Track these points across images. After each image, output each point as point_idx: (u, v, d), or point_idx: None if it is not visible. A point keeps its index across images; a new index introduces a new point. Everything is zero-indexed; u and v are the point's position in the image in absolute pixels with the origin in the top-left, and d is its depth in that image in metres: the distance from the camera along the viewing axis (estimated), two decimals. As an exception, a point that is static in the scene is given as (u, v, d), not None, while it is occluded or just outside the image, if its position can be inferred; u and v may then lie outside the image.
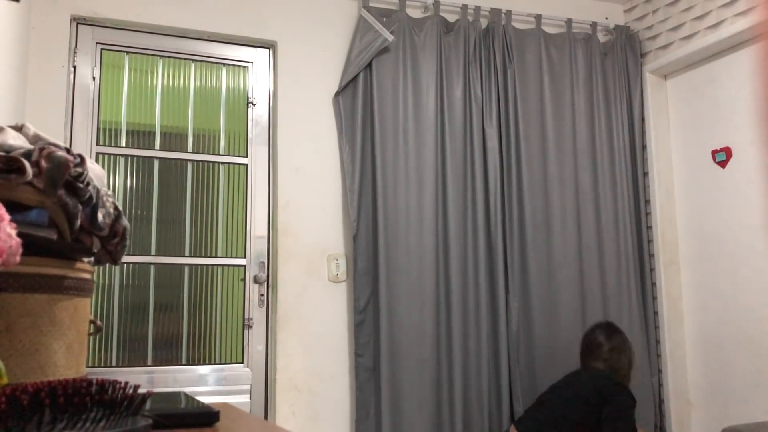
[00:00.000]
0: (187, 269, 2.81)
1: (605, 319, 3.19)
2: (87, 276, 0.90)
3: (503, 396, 2.95)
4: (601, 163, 3.29)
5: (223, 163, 2.92)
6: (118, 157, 2.77)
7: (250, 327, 2.83)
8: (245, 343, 2.82)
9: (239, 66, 3.00)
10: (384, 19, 3.03)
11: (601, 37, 3.49)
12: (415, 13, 3.17)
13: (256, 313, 2.85)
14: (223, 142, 2.94)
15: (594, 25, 3.44)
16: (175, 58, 2.91)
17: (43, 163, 0.83)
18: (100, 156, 2.75)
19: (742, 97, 3.05)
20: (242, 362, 2.81)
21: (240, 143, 2.96)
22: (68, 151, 0.88)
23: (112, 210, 0.97)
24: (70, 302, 0.85)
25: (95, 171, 0.97)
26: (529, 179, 3.13)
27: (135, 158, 2.80)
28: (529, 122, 3.19)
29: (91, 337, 1.02)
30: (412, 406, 2.81)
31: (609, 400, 2.51)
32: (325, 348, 2.86)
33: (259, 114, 2.99)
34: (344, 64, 3.01)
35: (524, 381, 2.99)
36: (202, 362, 2.76)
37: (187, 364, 2.75)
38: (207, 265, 2.83)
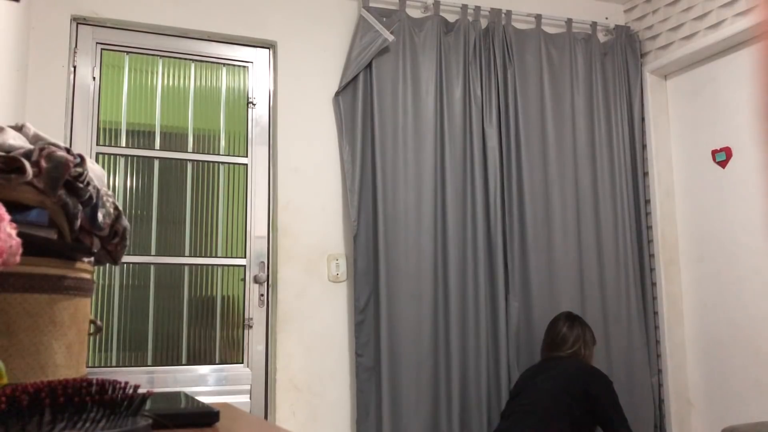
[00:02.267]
0: (187, 269, 2.81)
1: (593, 316, 3.19)
2: (87, 276, 0.90)
3: (503, 397, 2.95)
4: (601, 163, 3.29)
5: (223, 163, 2.92)
6: (118, 157, 2.77)
7: (250, 327, 2.83)
8: (245, 343, 2.82)
9: (239, 66, 3.00)
10: (384, 19, 3.03)
11: (601, 37, 3.49)
12: (415, 13, 3.17)
13: (256, 313, 2.85)
14: (223, 142, 2.94)
15: (594, 25, 3.44)
16: (175, 58, 2.91)
17: (43, 163, 0.83)
18: (100, 156, 2.75)
19: (742, 97, 3.05)
20: (242, 362, 2.81)
21: (240, 143, 2.96)
22: (68, 151, 0.88)
23: (112, 210, 0.97)
24: (70, 302, 0.85)
25: (95, 171, 0.97)
26: (529, 179, 3.13)
27: (135, 158, 2.80)
28: (529, 122, 3.19)
29: (91, 337, 1.02)
30: (412, 406, 2.81)
31: (593, 391, 2.54)
32: (325, 348, 2.86)
33: (259, 114, 2.99)
34: (344, 64, 3.01)
35: (524, 381, 2.99)
36: (202, 362, 2.77)
37: (187, 364, 2.75)
38: (207, 265, 2.83)
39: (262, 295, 2.86)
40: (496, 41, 3.19)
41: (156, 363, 2.71)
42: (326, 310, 2.88)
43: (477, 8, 3.22)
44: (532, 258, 3.07)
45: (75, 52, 2.73)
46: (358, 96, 2.97)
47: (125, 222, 1.01)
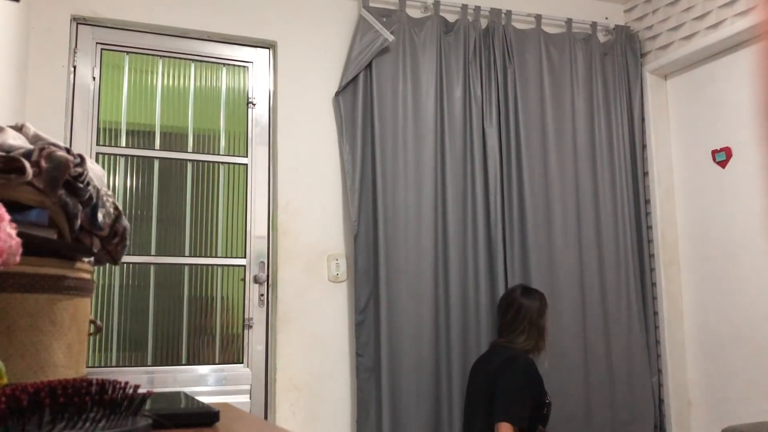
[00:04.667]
0: (187, 269, 2.81)
1: (593, 316, 3.18)
2: (87, 276, 0.90)
3: (503, 396, 2.95)
4: (601, 163, 3.29)
5: (223, 163, 2.92)
6: (118, 157, 2.77)
7: (250, 327, 2.83)
8: (245, 343, 2.82)
9: (239, 66, 3.00)
10: (384, 19, 3.03)
11: (601, 37, 3.49)
12: (415, 13, 3.17)
13: (256, 313, 2.85)
14: (223, 142, 2.94)
15: (594, 25, 3.44)
16: (175, 58, 2.91)
17: (43, 163, 0.83)
18: (100, 156, 2.75)
19: (742, 97, 3.05)
20: (242, 362, 2.81)
21: (240, 143, 2.96)
22: (68, 151, 0.88)
23: (112, 210, 0.97)
24: (70, 302, 0.85)
25: (95, 171, 0.97)
26: (529, 179, 3.13)
27: (135, 158, 2.80)
28: (529, 122, 3.19)
29: (91, 337, 1.02)
30: (412, 406, 2.81)
31: (502, 372, 2.34)
32: (325, 348, 2.86)
33: (259, 114, 2.99)
34: (344, 64, 3.01)
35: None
36: (202, 362, 2.76)
37: (187, 364, 2.75)
38: (207, 265, 2.83)
39: (262, 295, 2.86)
40: (496, 41, 3.19)
41: (156, 363, 2.71)
42: (326, 310, 2.88)
43: (477, 8, 3.22)
44: (532, 258, 3.07)
45: (75, 52, 2.73)
46: (358, 96, 2.97)
47: (125, 222, 1.01)
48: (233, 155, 2.93)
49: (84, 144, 2.71)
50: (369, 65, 2.99)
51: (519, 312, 2.52)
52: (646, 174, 3.42)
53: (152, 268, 2.76)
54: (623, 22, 3.61)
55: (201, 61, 2.94)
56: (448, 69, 3.11)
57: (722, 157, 3.12)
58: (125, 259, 2.70)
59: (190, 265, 2.81)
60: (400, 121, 2.98)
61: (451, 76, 3.11)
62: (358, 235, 2.87)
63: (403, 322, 2.84)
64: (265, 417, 2.78)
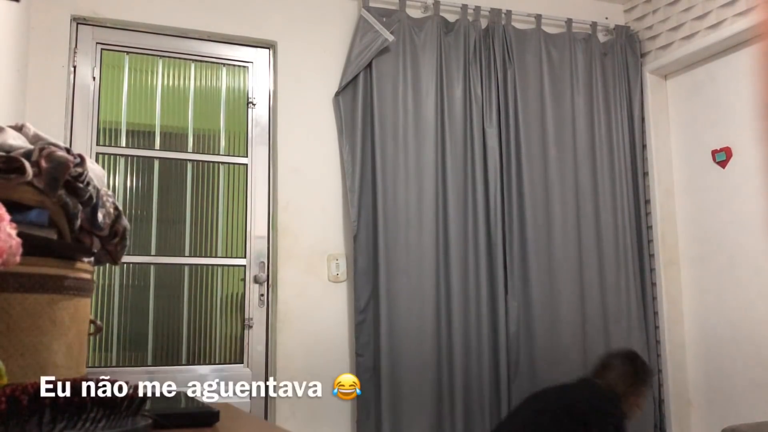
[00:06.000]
0: (187, 269, 2.81)
1: (593, 317, 3.18)
2: (87, 276, 0.90)
3: (503, 396, 2.95)
4: (601, 163, 3.29)
5: (223, 163, 2.91)
6: (118, 157, 2.77)
7: (250, 327, 2.83)
8: (245, 343, 2.82)
9: (239, 66, 3.00)
10: (384, 19, 3.03)
11: (601, 37, 3.48)
12: (415, 13, 3.17)
13: (256, 313, 2.85)
14: (223, 142, 2.94)
15: (594, 25, 3.44)
16: (175, 58, 2.91)
17: (43, 163, 0.83)
18: (100, 156, 2.74)
19: (742, 97, 3.04)
20: (242, 362, 2.81)
21: (240, 143, 2.96)
22: (68, 151, 0.88)
23: (112, 210, 0.97)
24: (70, 302, 0.85)
25: (95, 171, 0.97)
26: (529, 179, 3.13)
27: (135, 158, 2.80)
28: (529, 122, 3.19)
29: (91, 337, 1.02)
30: (412, 406, 2.81)
31: (595, 423, 2.19)
32: (325, 348, 2.85)
33: (259, 114, 2.99)
34: (344, 64, 3.01)
35: (524, 381, 2.99)
36: (202, 362, 2.76)
37: (187, 364, 2.75)
38: (207, 265, 2.83)
39: (262, 295, 2.86)
40: (496, 41, 3.19)
41: (156, 363, 2.71)
42: (326, 310, 2.88)
43: (477, 8, 3.22)
44: (531, 257, 3.07)
45: (75, 52, 2.73)
46: (358, 96, 2.97)
47: (125, 222, 1.01)
48: (233, 155, 2.93)
49: (84, 144, 2.71)
50: (369, 65, 2.98)
51: (626, 378, 2.38)
52: (646, 174, 3.41)
53: (152, 268, 2.76)
54: (623, 22, 3.61)
55: (201, 61, 2.94)
56: (448, 69, 3.11)
57: (722, 157, 3.12)
58: (125, 259, 2.69)
59: (190, 265, 2.81)
60: (400, 121, 2.98)
61: (451, 76, 3.11)
62: (358, 235, 2.87)
63: (403, 322, 2.84)
64: (265, 417, 2.78)
